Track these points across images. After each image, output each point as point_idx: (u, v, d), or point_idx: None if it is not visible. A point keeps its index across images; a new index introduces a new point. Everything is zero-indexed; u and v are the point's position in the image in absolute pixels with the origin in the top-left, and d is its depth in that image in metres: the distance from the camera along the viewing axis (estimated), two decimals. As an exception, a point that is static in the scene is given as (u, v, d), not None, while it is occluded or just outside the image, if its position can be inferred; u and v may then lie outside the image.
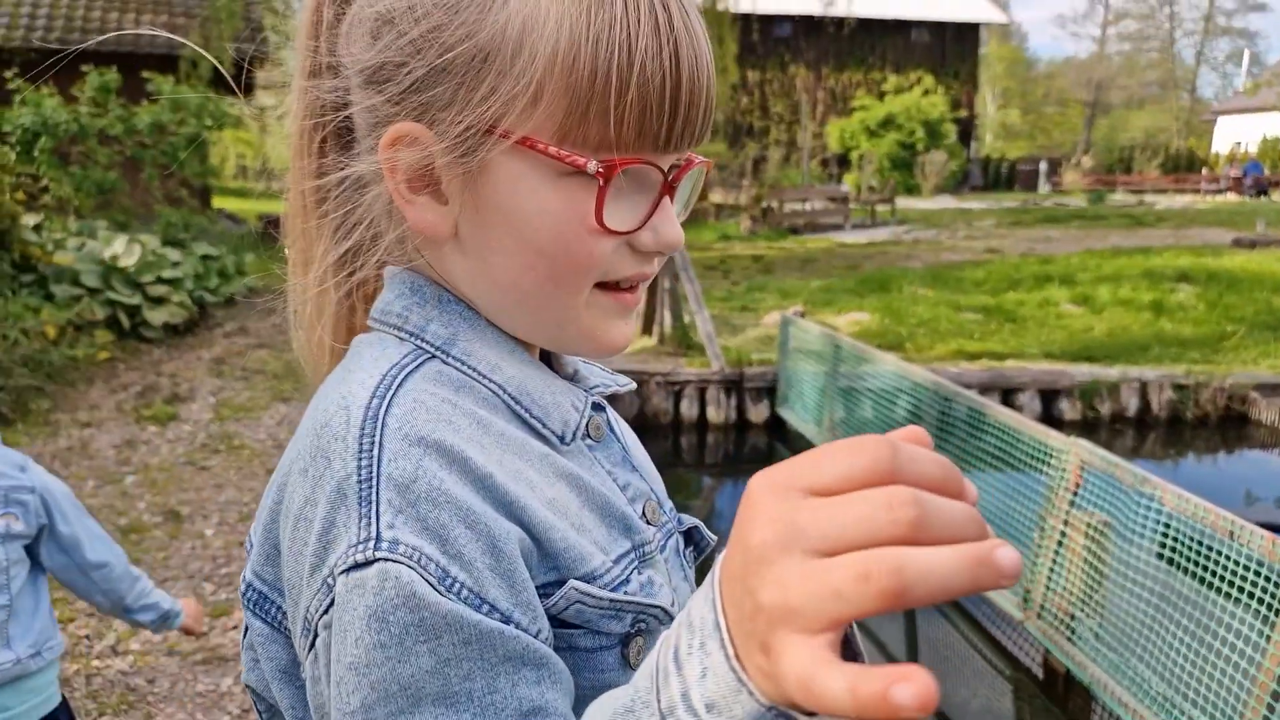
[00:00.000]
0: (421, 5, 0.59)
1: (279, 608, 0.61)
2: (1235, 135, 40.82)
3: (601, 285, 0.64)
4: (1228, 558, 3.14)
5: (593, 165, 0.57)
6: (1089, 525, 3.74)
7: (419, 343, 0.63)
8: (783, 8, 31.58)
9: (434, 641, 0.51)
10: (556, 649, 0.57)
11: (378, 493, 0.53)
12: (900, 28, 36.01)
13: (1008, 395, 7.41)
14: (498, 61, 0.57)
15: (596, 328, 0.65)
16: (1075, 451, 3.85)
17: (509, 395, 0.63)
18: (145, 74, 9.36)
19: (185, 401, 6.31)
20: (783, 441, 7.33)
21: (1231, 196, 31.02)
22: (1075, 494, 3.85)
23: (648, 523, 0.69)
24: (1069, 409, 7.56)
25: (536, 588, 0.57)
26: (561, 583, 0.58)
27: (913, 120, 31.77)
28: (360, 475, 0.53)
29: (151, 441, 5.56)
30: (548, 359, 0.73)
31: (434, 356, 0.62)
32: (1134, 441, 7.56)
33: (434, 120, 0.59)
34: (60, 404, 6.08)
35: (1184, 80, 65.22)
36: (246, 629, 0.65)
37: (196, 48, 0.98)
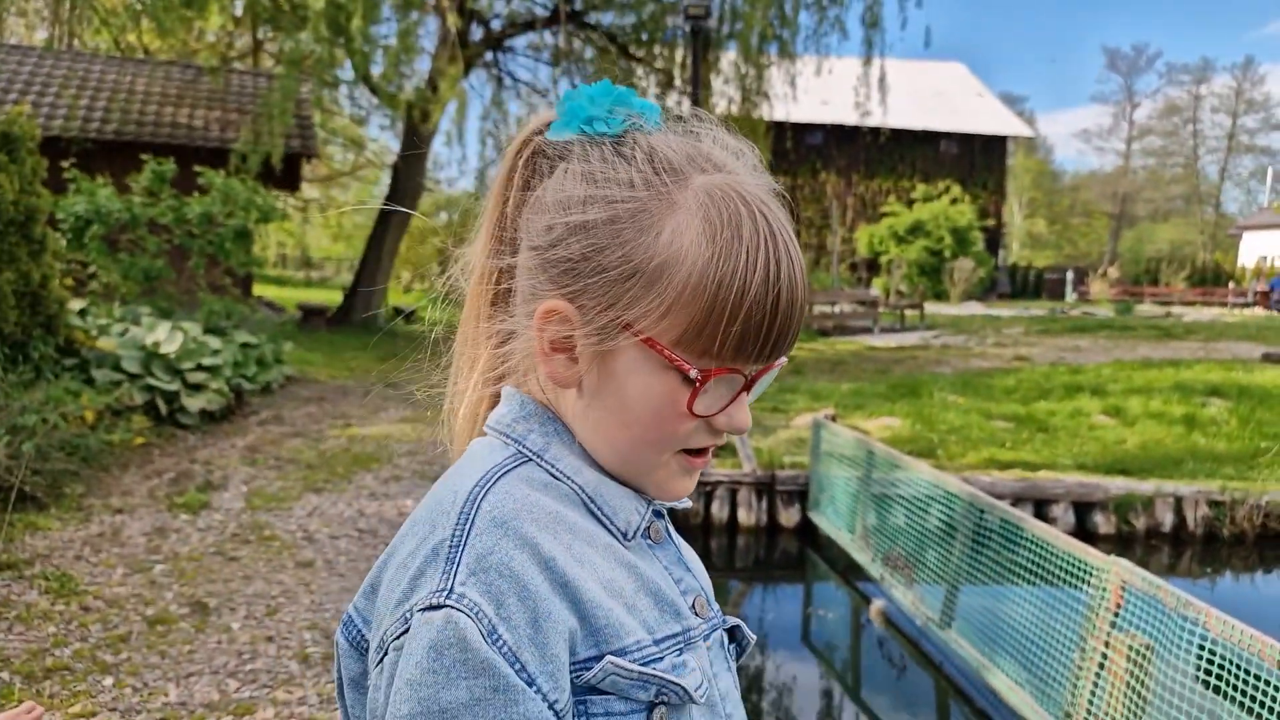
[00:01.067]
0: (592, 223, 0.75)
1: (361, 632, 0.79)
2: (1261, 249, 40.93)
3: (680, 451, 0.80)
4: (1276, 687, 3.04)
5: (694, 372, 0.74)
6: (1131, 648, 3.64)
7: (520, 448, 0.79)
8: (816, 117, 32.43)
9: (472, 680, 0.65)
10: (592, 714, 0.71)
11: (461, 557, 0.69)
12: (929, 138, 36.87)
13: (1041, 506, 7.29)
14: (643, 281, 0.74)
15: (668, 481, 0.81)
16: (1116, 571, 3.77)
17: (586, 494, 0.78)
18: (197, 168, 9.74)
19: (218, 489, 6.35)
20: (814, 547, 7.22)
21: (1259, 311, 30.92)
22: (1116, 614, 3.76)
23: (696, 614, 0.82)
24: (1104, 523, 7.41)
25: (579, 661, 0.71)
26: (600, 658, 0.71)
27: (941, 227, 32.17)
28: (453, 541, 0.70)
29: (182, 530, 5.58)
30: None
31: (530, 460, 0.78)
32: (1170, 558, 7.38)
33: (582, 306, 0.76)
34: (93, 489, 6.14)
35: (1208, 195, 65.82)
36: (337, 648, 0.82)
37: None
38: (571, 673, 0.70)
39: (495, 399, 0.86)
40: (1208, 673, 3.35)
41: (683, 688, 0.74)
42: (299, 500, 6.26)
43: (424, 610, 0.67)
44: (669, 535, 0.87)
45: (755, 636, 0.92)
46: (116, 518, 5.70)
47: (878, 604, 5.87)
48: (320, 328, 16.29)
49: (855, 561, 6.26)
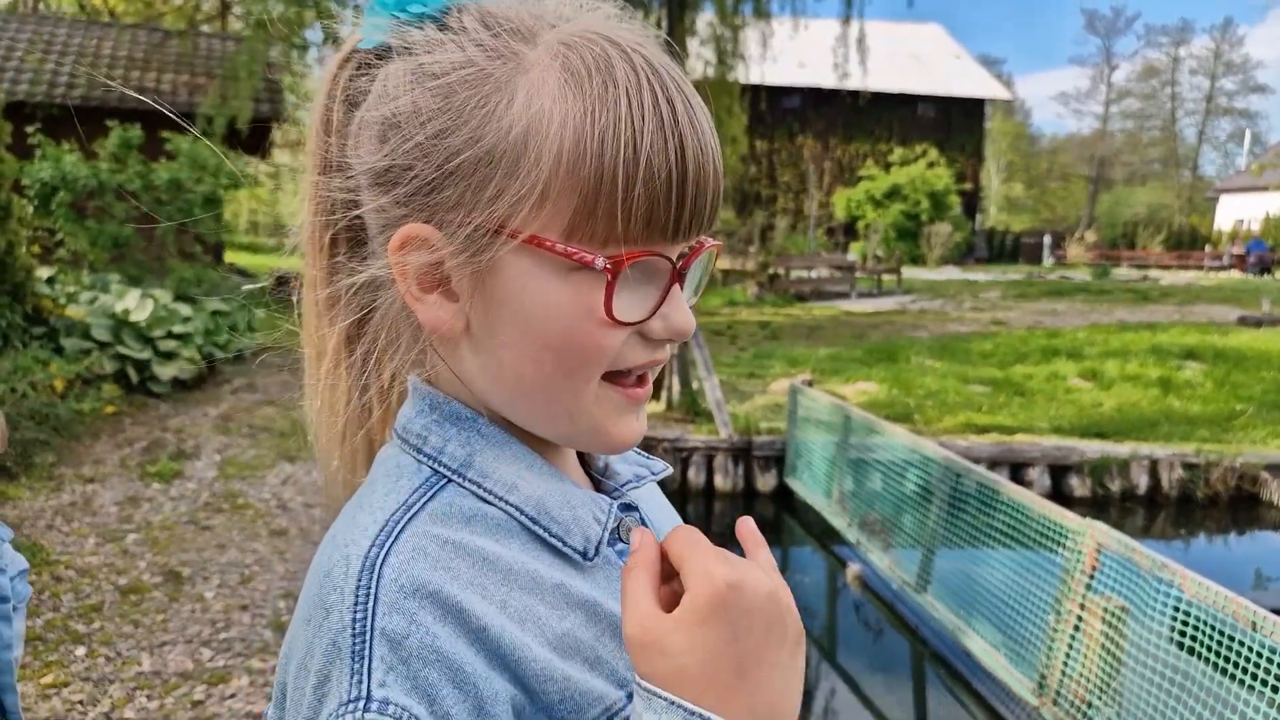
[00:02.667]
0: (427, 109, 0.59)
1: None
2: (1238, 213, 41.25)
3: (610, 378, 0.63)
4: (1249, 648, 3.07)
5: (600, 261, 0.57)
6: (1106, 610, 3.67)
7: (436, 465, 0.63)
8: (792, 80, 32.21)
9: None
10: None
11: (371, 649, 0.53)
12: (907, 101, 36.72)
13: (1017, 470, 7.35)
14: (504, 163, 0.58)
15: (606, 422, 0.64)
16: (1092, 534, 3.79)
17: (526, 516, 0.63)
18: (164, 133, 9.52)
19: (190, 458, 6.27)
20: (790, 512, 7.25)
21: (1235, 274, 31.23)
22: (1092, 577, 3.79)
23: None
24: (1079, 486, 7.49)
25: None
26: None
27: (918, 191, 32.18)
28: (355, 629, 0.54)
29: (155, 499, 5.51)
30: (582, 456, 0.73)
31: (449, 481, 0.62)
32: (1145, 520, 7.47)
33: (442, 222, 0.60)
34: (65, 458, 6.05)
35: (1186, 158, 66.16)
36: None
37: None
38: None
39: (382, 393, 0.70)
40: (1181, 634, 3.39)
41: None
42: (272, 468, 6.20)
43: None
44: (645, 525, 0.73)
45: None
46: (88, 487, 5.62)
47: (854, 568, 5.91)
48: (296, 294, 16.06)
49: (832, 526, 6.29)
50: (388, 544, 0.57)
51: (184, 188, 9.09)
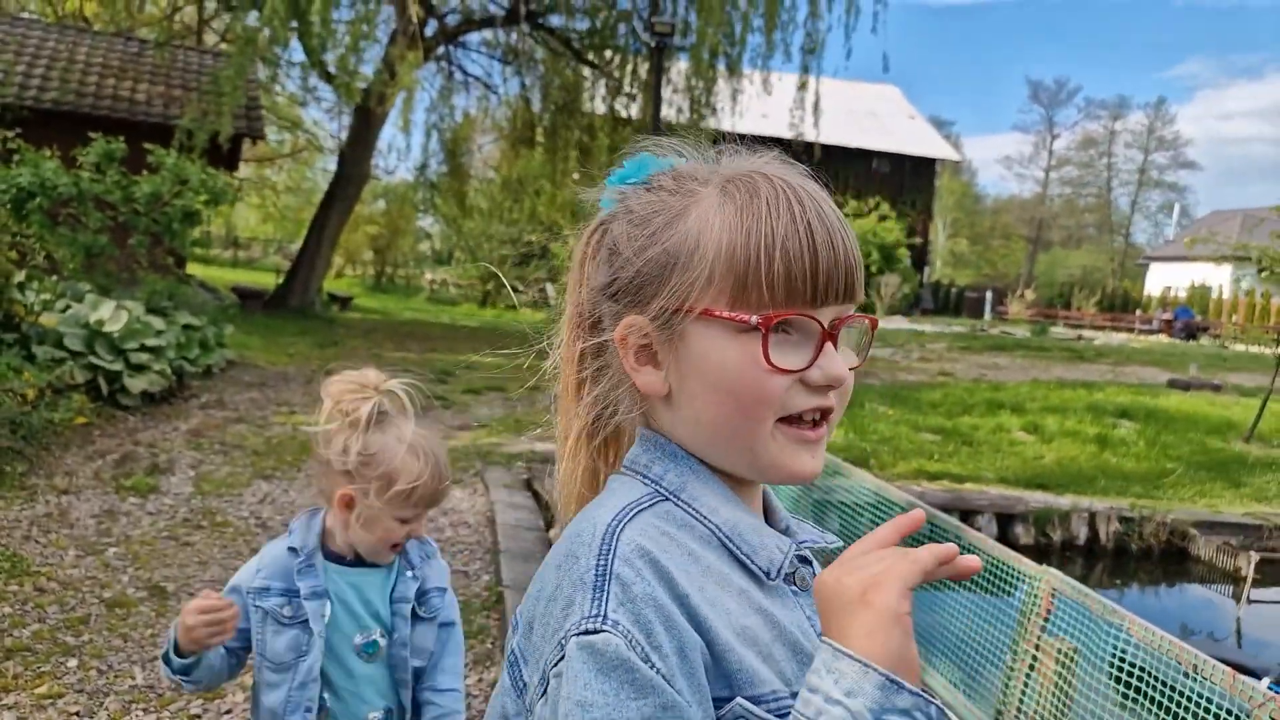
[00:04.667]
0: (632, 235, 0.83)
1: (521, 671, 0.80)
2: (1166, 280, 43.06)
3: (786, 421, 0.80)
4: (1191, 689, 3.35)
5: (754, 319, 0.77)
6: (1059, 651, 3.94)
7: (657, 487, 0.82)
8: (757, 129, 32.72)
9: (642, 700, 0.67)
10: None
11: (609, 585, 0.71)
12: (862, 156, 37.78)
13: (966, 517, 7.65)
14: (681, 259, 0.79)
15: (783, 456, 0.80)
16: (1048, 580, 4.07)
17: (724, 534, 0.80)
18: (146, 145, 9.51)
19: (164, 473, 6.28)
20: (750, 550, 7.44)
21: (1163, 338, 32.53)
22: (1047, 620, 4.06)
23: None
24: (1024, 534, 7.84)
25: (712, 698, 0.72)
26: (731, 699, 0.73)
27: (869, 244, 33.05)
28: (597, 570, 0.72)
29: (132, 513, 5.52)
30: (768, 517, 0.91)
31: (667, 499, 0.81)
32: (1084, 569, 7.82)
33: (644, 309, 0.82)
34: (36, 467, 6.02)
35: (1119, 225, 68.88)
36: (500, 684, 0.85)
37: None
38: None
39: (608, 442, 0.91)
40: (1130, 675, 3.66)
41: None
42: (249, 487, 6.23)
43: (579, 635, 0.69)
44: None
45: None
46: (63, 498, 5.60)
47: (816, 605, 6.11)
48: (257, 311, 15.97)
49: (795, 564, 6.50)
50: (625, 520, 0.76)
51: (162, 200, 9.08)
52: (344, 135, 18.55)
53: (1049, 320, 36.12)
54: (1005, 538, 7.71)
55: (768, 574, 0.80)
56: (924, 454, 9.10)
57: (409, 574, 1.80)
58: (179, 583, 4.65)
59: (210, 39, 20.17)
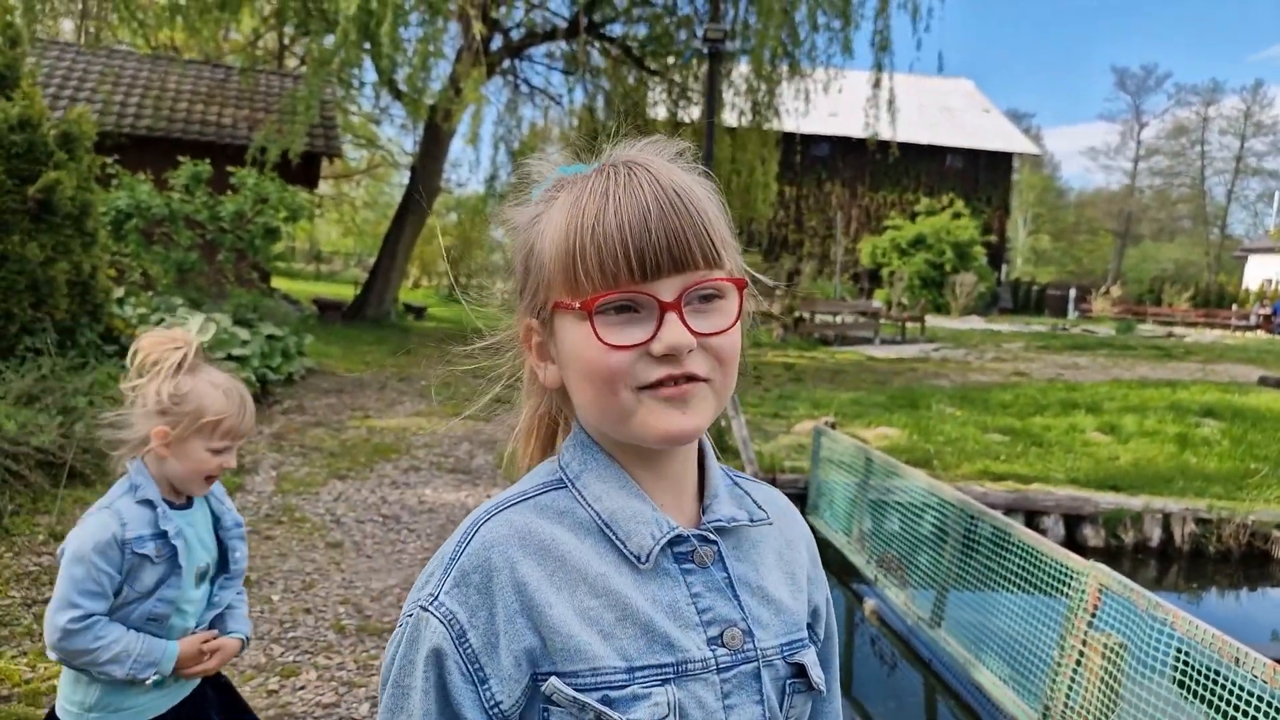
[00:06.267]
0: (511, 245, 0.92)
1: None
2: (1265, 272, 41.12)
3: (646, 388, 0.82)
4: (1234, 683, 3.34)
5: (577, 304, 0.82)
6: (1106, 646, 3.95)
7: (564, 473, 0.90)
8: (823, 129, 32.75)
9: (429, 671, 0.81)
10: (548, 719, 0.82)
11: (452, 570, 0.84)
12: (935, 153, 37.19)
13: (1032, 518, 7.57)
14: (534, 261, 0.87)
15: (650, 418, 0.83)
16: (1094, 575, 4.08)
17: (602, 520, 0.86)
18: (229, 167, 10.09)
19: (249, 473, 6.68)
20: (811, 549, 7.50)
21: (1261, 334, 31.14)
22: (1094, 615, 4.07)
23: (720, 645, 0.86)
24: (1093, 535, 7.70)
25: (541, 673, 0.81)
26: (550, 674, 0.81)
27: (942, 242, 32.49)
28: (450, 555, 0.85)
29: (219, 509, 5.90)
30: (703, 488, 0.94)
31: (560, 487, 0.89)
32: (1156, 572, 7.64)
33: (532, 311, 0.89)
34: (133, 469, 6.46)
35: (1215, 216, 65.98)
36: None
37: None
38: (536, 682, 0.81)
39: (556, 428, 1.00)
40: (1175, 669, 3.66)
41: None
42: (325, 486, 6.58)
43: (414, 610, 0.84)
44: (721, 559, 0.90)
45: (822, 679, 0.94)
46: (156, 497, 6.02)
47: (871, 603, 6.17)
48: (335, 321, 16.67)
49: (851, 563, 6.56)
50: (494, 513, 0.87)
51: (245, 218, 9.61)
52: (416, 150, 19.15)
53: (1138, 317, 34.91)
54: (1073, 539, 7.59)
55: (639, 558, 0.85)
56: (990, 455, 9.00)
57: (224, 507, 2.18)
58: (261, 572, 4.97)
59: (291, 63, 21.08)
